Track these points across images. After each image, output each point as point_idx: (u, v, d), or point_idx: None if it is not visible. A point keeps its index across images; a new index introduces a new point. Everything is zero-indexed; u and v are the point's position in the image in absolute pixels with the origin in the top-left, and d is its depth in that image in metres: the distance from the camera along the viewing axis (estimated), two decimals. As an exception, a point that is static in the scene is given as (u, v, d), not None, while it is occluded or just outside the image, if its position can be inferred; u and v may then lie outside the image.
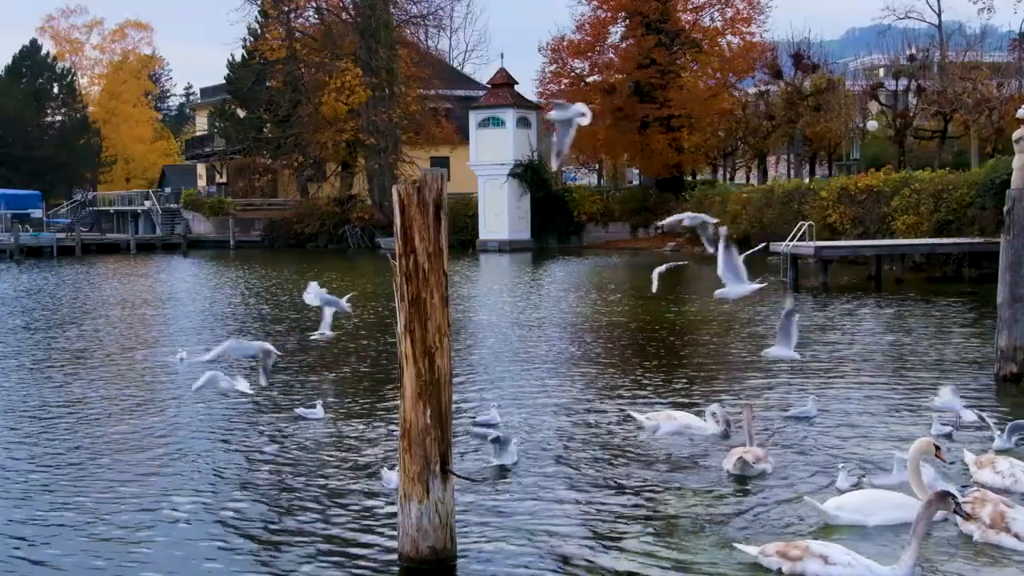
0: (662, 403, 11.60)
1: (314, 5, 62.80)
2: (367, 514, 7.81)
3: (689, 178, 57.13)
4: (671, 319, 20.34)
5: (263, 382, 10.15)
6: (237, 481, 8.81)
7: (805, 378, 13.09)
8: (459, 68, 79.06)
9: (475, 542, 7.09)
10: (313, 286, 11.05)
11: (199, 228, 63.40)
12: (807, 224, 29.93)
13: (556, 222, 53.03)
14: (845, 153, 51.32)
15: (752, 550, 6.47)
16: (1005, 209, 12.75)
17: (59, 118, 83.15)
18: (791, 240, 28.02)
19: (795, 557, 6.23)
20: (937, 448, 7.56)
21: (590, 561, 6.80)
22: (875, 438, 9.82)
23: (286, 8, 61.09)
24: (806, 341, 16.74)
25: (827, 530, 7.23)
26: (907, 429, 10.07)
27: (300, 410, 11.28)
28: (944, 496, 6.16)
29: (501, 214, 51.88)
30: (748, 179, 60.75)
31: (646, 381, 13.18)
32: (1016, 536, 6.61)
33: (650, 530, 7.37)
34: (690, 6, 53.03)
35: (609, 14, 52.87)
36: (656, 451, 9.62)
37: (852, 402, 11.46)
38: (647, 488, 8.41)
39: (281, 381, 13.72)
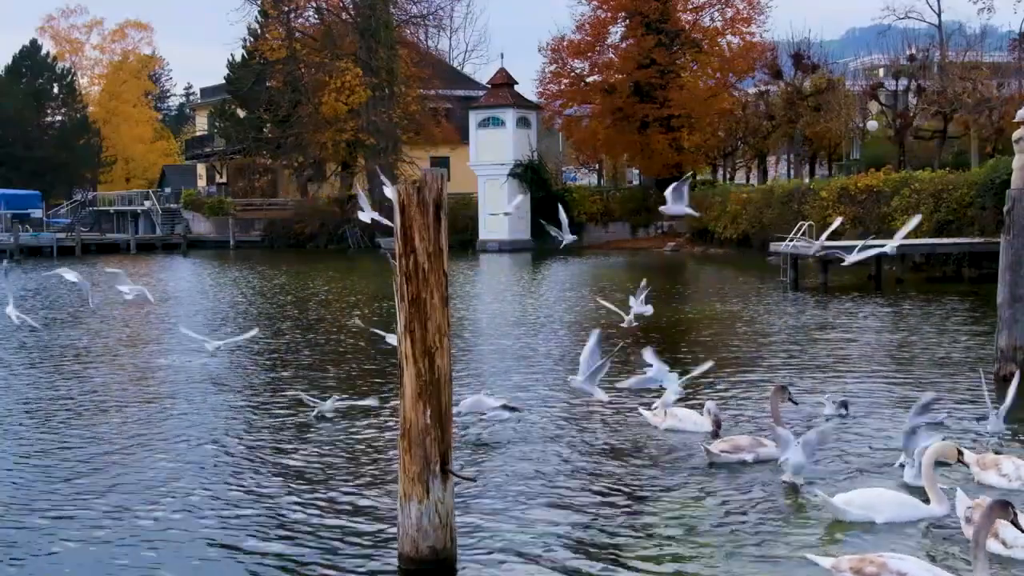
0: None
1: (314, 5, 62.79)
2: (367, 514, 7.81)
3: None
4: (672, 318, 20.33)
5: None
6: (237, 480, 8.81)
7: (806, 377, 13.09)
8: (459, 68, 79.02)
9: (475, 542, 7.09)
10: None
11: (199, 228, 63.38)
12: (807, 224, 29.92)
13: (556, 222, 52.93)
14: (845, 153, 51.30)
15: (826, 562, 6.23)
16: (1005, 209, 12.76)
17: (59, 118, 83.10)
18: (791, 240, 28.01)
19: (871, 573, 5.99)
20: (960, 452, 7.59)
21: (593, 562, 6.80)
22: (875, 437, 9.82)
23: (286, 8, 61.07)
24: (805, 341, 16.77)
25: (836, 525, 7.28)
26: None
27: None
28: (1005, 506, 5.98)
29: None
30: (748, 179, 60.70)
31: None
32: (1003, 542, 6.61)
33: (653, 530, 7.37)
34: (690, 6, 52.99)
35: (609, 14, 52.84)
36: (659, 450, 9.62)
37: (852, 401, 11.43)
38: (650, 487, 8.41)
39: (281, 380, 13.73)
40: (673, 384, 10.24)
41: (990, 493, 7.66)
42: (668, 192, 10.58)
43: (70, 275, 14.06)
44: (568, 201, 53.06)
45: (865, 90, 48.05)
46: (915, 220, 12.47)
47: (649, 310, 13.45)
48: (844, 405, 10.75)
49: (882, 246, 13.81)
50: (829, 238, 19.31)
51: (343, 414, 11.29)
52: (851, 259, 13.61)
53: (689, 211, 10.79)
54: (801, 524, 7.40)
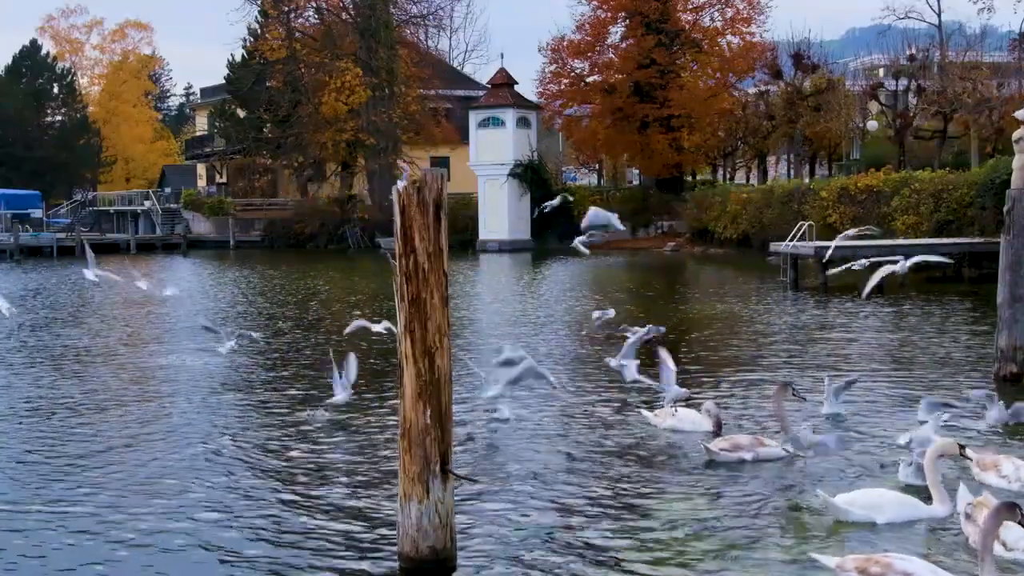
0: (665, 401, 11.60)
1: (314, 5, 62.80)
2: (367, 514, 7.81)
3: (689, 178, 57.10)
4: (672, 318, 20.32)
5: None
6: (235, 480, 8.81)
7: (807, 376, 13.09)
8: (459, 68, 79.03)
9: (475, 542, 7.09)
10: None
11: (199, 228, 63.40)
12: (807, 224, 29.93)
13: (556, 222, 52.91)
14: (845, 153, 51.31)
15: (830, 561, 6.22)
16: (1005, 209, 12.76)
17: (59, 118, 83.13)
18: (791, 240, 28.03)
19: (876, 574, 5.96)
20: (962, 447, 7.59)
21: (593, 563, 6.80)
22: (875, 437, 9.83)
23: (286, 8, 61.07)
24: (805, 340, 16.77)
25: (838, 525, 7.28)
26: (906, 428, 10.08)
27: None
28: (1012, 507, 5.96)
29: (501, 214, 51.86)
30: (748, 179, 60.72)
31: (648, 379, 13.14)
32: (1003, 544, 6.60)
33: (653, 530, 7.36)
34: (690, 6, 53.02)
35: (609, 14, 52.86)
36: (659, 450, 9.62)
37: (852, 402, 11.44)
38: (650, 487, 8.40)
39: (281, 380, 13.73)
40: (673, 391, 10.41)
41: (990, 493, 7.67)
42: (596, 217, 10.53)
43: (90, 273, 14.34)
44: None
45: (865, 90, 48.07)
46: (940, 259, 12.31)
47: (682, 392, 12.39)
48: (848, 384, 10.82)
49: (892, 261, 13.31)
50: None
51: (343, 411, 11.29)
52: (866, 290, 13.42)
53: (614, 222, 10.66)
54: (802, 524, 7.39)
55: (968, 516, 6.87)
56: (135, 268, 16.63)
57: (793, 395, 9.60)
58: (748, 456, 8.94)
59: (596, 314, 13.28)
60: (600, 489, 8.39)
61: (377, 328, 13.18)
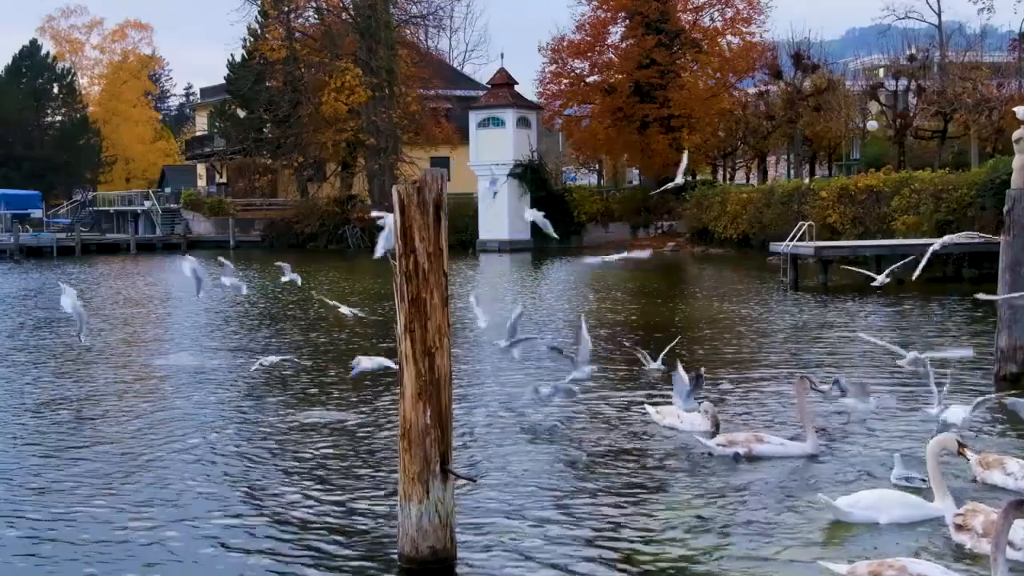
0: (666, 400, 11.59)
1: (314, 5, 62.81)
2: (367, 514, 7.81)
3: (689, 178, 57.07)
4: (672, 318, 20.33)
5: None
6: (235, 480, 8.81)
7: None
8: (459, 68, 79.04)
9: (475, 542, 7.09)
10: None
11: (199, 228, 63.37)
12: (807, 224, 29.92)
13: (556, 222, 52.31)
14: (845, 153, 51.32)
15: (841, 569, 6.15)
16: (1005, 209, 12.76)
17: (59, 118, 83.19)
18: (791, 240, 28.01)
19: None
20: (961, 444, 7.56)
21: (593, 563, 6.79)
22: (875, 436, 9.82)
23: (286, 8, 61.10)
24: (806, 340, 16.77)
25: (839, 527, 7.25)
26: (906, 428, 10.09)
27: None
28: (1020, 505, 5.95)
29: (501, 214, 51.81)
30: (748, 179, 60.71)
31: (649, 379, 13.16)
32: (1010, 544, 6.57)
33: (653, 530, 7.36)
34: (690, 6, 53.01)
35: (609, 14, 52.86)
36: (659, 449, 9.62)
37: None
38: (650, 487, 8.40)
39: (281, 379, 13.73)
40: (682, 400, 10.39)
41: (992, 493, 7.67)
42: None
43: (227, 280, 14.65)
44: (568, 201, 53.15)
45: (865, 90, 48.05)
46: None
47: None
48: (837, 383, 10.71)
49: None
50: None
51: (343, 412, 11.29)
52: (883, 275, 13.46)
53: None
54: (803, 526, 7.37)
55: (960, 527, 6.83)
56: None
57: (812, 388, 9.62)
58: (742, 451, 8.96)
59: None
60: (600, 488, 8.38)
61: (344, 311, 13.33)
